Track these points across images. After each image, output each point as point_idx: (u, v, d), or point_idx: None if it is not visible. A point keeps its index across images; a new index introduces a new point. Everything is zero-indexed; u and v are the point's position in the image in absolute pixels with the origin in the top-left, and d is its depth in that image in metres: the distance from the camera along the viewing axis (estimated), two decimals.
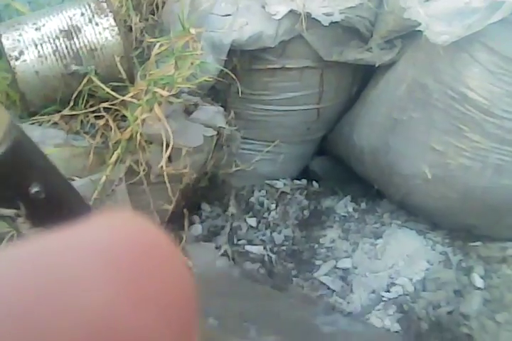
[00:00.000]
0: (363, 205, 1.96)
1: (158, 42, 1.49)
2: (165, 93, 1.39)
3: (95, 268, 0.22)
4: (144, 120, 1.39)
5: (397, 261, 1.74)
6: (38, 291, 0.21)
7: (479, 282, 1.69)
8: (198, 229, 1.76)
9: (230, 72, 1.68)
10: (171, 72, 1.44)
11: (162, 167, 1.41)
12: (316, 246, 1.79)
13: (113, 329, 0.21)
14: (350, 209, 1.93)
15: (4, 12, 1.73)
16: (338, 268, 1.72)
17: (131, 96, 1.38)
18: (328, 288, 1.67)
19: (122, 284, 0.22)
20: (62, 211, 0.76)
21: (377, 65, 1.83)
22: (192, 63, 1.47)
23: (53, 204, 0.74)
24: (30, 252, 0.22)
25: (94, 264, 0.22)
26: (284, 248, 1.77)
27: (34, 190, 0.68)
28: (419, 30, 1.67)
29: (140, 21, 1.69)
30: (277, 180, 2.00)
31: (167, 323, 0.23)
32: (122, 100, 1.41)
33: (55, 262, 0.22)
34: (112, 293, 0.22)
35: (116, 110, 1.44)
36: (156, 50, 1.46)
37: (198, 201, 1.82)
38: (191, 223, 1.76)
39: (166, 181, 1.41)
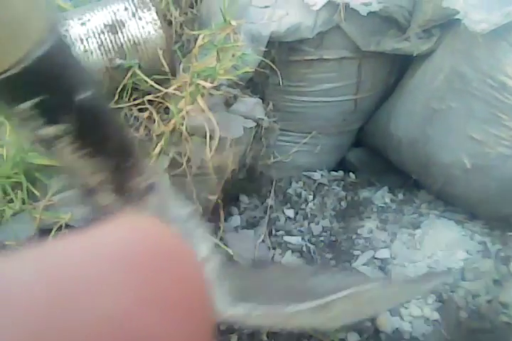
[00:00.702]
0: (401, 196, 1.97)
1: (200, 34, 1.51)
2: (208, 84, 1.41)
3: (110, 270, 0.23)
4: (187, 112, 1.41)
5: (435, 251, 1.74)
6: (53, 291, 0.21)
7: None
8: (236, 220, 1.78)
9: (270, 63, 1.69)
10: (213, 64, 1.46)
11: (205, 159, 1.44)
12: (354, 236, 1.80)
13: (126, 329, 0.22)
14: (388, 200, 1.94)
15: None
16: (376, 258, 1.73)
17: (175, 89, 1.40)
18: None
19: (136, 285, 0.23)
20: (106, 130, 0.70)
21: (415, 55, 1.82)
22: (233, 55, 1.49)
23: (99, 120, 0.68)
24: (46, 253, 0.23)
25: (109, 266, 0.23)
26: (322, 238, 1.79)
27: (82, 96, 0.62)
28: (457, 19, 1.66)
29: (180, 15, 1.71)
30: (314, 171, 2.01)
31: (180, 324, 0.23)
32: (165, 93, 1.44)
33: (71, 263, 0.22)
34: (126, 294, 0.22)
35: (160, 103, 1.47)
36: (199, 42, 1.48)
37: (236, 193, 1.84)
38: (230, 214, 1.79)
39: (211, 172, 1.43)
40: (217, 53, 1.44)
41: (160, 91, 1.41)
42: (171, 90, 1.39)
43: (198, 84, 1.40)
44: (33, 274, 0.22)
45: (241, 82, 1.65)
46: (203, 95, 1.40)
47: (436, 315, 1.58)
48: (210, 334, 0.25)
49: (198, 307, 0.25)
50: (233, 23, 1.47)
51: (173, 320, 0.23)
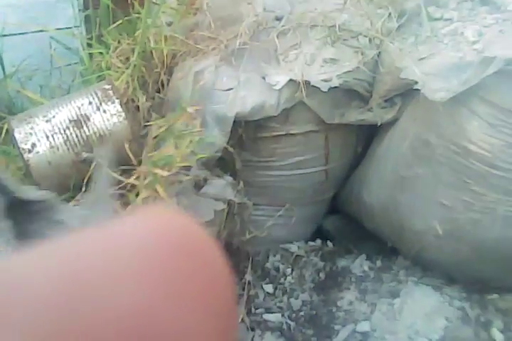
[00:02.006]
0: (379, 263, 1.97)
1: (156, 124, 1.55)
2: (164, 173, 1.44)
3: (133, 262, 0.22)
4: (145, 201, 1.43)
5: (415, 320, 1.74)
6: (74, 284, 0.21)
7: (499, 337, 1.68)
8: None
9: (229, 148, 1.73)
10: (171, 152, 1.49)
11: None
12: (334, 309, 1.80)
13: (153, 325, 0.21)
14: (366, 268, 1.94)
15: (16, 99, 1.81)
16: (357, 331, 1.72)
17: (134, 179, 1.43)
18: None
19: (160, 281, 0.22)
20: None
21: (379, 124, 1.87)
22: (191, 141, 1.53)
23: None
24: (70, 246, 0.23)
25: (132, 258, 0.22)
26: (302, 313, 1.78)
27: None
28: (416, 89, 1.71)
29: (147, 100, 1.75)
30: (291, 243, 2.02)
31: (204, 320, 0.23)
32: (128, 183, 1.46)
33: (92, 255, 0.22)
34: (150, 290, 0.22)
35: (129, 190, 1.49)
36: (154, 132, 1.52)
37: None
38: None
39: None
40: (175, 141, 1.48)
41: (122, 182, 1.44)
42: (131, 181, 1.42)
43: (156, 173, 1.42)
44: (52, 268, 0.21)
45: (210, 161, 1.68)
46: (161, 184, 1.42)
47: None
48: (235, 330, 0.25)
49: (224, 303, 0.24)
50: (189, 109, 1.51)
51: (199, 315, 0.23)
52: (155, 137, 1.50)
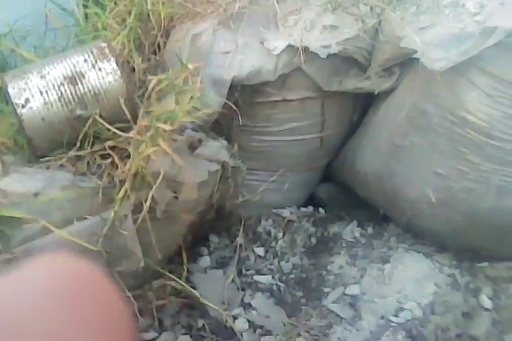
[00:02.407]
0: (370, 230, 1.99)
1: (157, 79, 1.54)
2: (167, 127, 1.43)
3: (43, 302, 0.26)
4: (148, 156, 1.44)
5: (405, 285, 1.76)
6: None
7: (488, 303, 1.70)
8: (206, 260, 1.79)
9: (232, 106, 1.73)
10: (172, 106, 1.49)
11: (167, 203, 1.46)
12: (324, 273, 1.82)
13: None
14: (357, 235, 1.96)
15: (10, 58, 1.81)
16: (346, 294, 1.74)
17: (135, 134, 1.43)
18: (337, 316, 1.69)
19: (65, 313, 0.26)
20: None
21: (376, 93, 1.87)
22: (192, 97, 1.52)
23: None
24: None
25: (41, 299, 0.26)
26: (292, 276, 1.80)
27: None
28: (416, 58, 1.71)
29: (142, 62, 1.75)
30: (283, 208, 2.03)
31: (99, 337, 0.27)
32: (127, 139, 1.46)
33: (10, 298, 0.26)
34: (58, 320, 0.26)
35: (122, 149, 1.49)
36: (155, 87, 1.52)
37: (205, 233, 1.86)
38: (199, 255, 1.80)
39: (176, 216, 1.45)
40: (176, 97, 1.47)
41: (121, 137, 1.44)
42: (131, 135, 1.42)
43: (158, 127, 1.42)
44: None
45: (204, 124, 1.69)
46: (164, 139, 1.43)
47: None
48: None
49: (122, 331, 0.29)
50: (190, 66, 1.51)
51: (95, 334, 0.27)
52: (156, 91, 1.50)
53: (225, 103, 1.73)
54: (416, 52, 1.71)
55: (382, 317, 1.69)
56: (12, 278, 0.27)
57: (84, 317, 0.27)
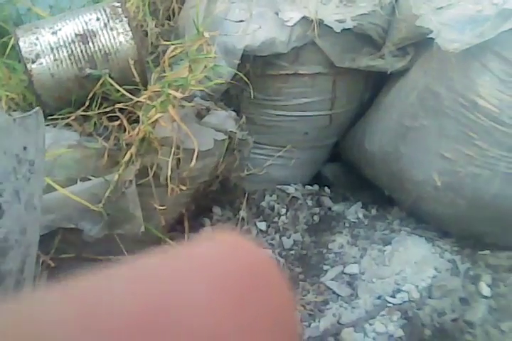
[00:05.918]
0: (373, 212, 1.98)
1: (172, 45, 1.52)
2: (179, 94, 1.42)
3: (206, 293, 0.22)
4: (156, 121, 1.42)
5: (404, 267, 1.75)
6: (147, 306, 0.21)
7: (486, 290, 1.69)
8: (208, 231, 1.78)
9: (243, 77, 1.70)
10: (185, 74, 1.47)
11: (171, 169, 1.44)
12: (325, 251, 1.81)
13: None
14: (361, 216, 1.95)
15: (25, 16, 1.78)
16: (345, 273, 1.73)
17: (145, 98, 1.41)
18: (334, 293, 1.68)
19: (230, 308, 0.22)
20: None
21: (389, 72, 1.84)
22: (206, 66, 1.50)
23: None
24: (143, 273, 0.23)
25: (205, 289, 0.22)
26: (292, 252, 1.79)
27: None
28: (431, 39, 1.68)
29: (156, 26, 1.72)
30: (289, 185, 2.02)
31: None
32: (136, 102, 1.44)
33: (169, 285, 0.22)
34: (221, 317, 0.22)
35: (130, 112, 1.47)
36: (170, 53, 1.49)
37: (209, 204, 1.84)
38: (202, 225, 1.79)
39: (180, 183, 1.44)
40: (190, 64, 1.45)
41: (131, 100, 1.42)
42: (141, 99, 1.40)
43: (169, 94, 1.40)
44: (124, 290, 0.21)
45: (214, 94, 1.67)
46: (174, 105, 1.41)
47: (400, 332, 1.58)
48: None
49: (290, 330, 0.24)
50: (206, 34, 1.49)
51: None
52: (170, 57, 1.47)
53: (236, 74, 1.71)
54: (431, 31, 1.69)
55: (379, 297, 1.68)
56: (181, 261, 0.23)
57: (255, 320, 0.23)
